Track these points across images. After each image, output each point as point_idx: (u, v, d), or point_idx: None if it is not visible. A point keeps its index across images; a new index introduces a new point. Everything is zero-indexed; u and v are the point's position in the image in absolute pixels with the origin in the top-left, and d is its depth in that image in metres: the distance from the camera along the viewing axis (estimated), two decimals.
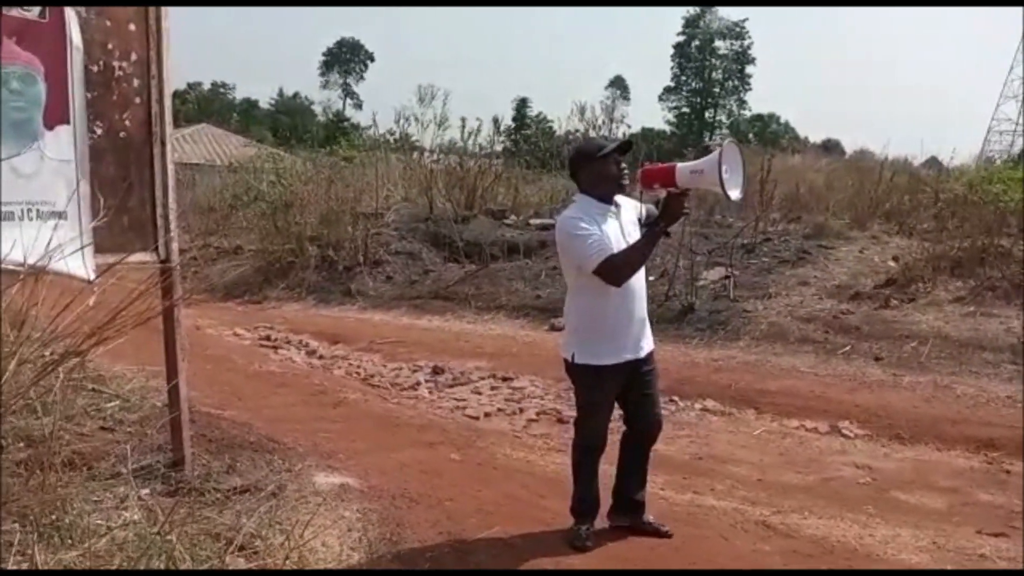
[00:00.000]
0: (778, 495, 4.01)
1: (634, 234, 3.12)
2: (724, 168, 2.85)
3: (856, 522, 3.66)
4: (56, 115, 2.77)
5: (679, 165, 2.99)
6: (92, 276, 2.64)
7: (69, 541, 2.48)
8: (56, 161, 2.72)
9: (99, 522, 2.77)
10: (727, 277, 8.47)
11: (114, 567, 2.17)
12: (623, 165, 3.13)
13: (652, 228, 3.05)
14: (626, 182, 3.14)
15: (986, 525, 3.65)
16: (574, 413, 5.37)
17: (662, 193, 3.04)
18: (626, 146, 3.17)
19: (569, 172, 3.31)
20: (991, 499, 4.02)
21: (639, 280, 3.16)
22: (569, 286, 3.25)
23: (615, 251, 2.99)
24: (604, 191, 3.12)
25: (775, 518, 3.67)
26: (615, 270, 2.99)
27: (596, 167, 3.10)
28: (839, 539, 3.45)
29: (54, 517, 2.57)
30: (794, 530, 3.54)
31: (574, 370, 3.20)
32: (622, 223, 3.12)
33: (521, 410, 5.56)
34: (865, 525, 3.63)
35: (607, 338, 3.11)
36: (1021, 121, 42.79)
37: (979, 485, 4.21)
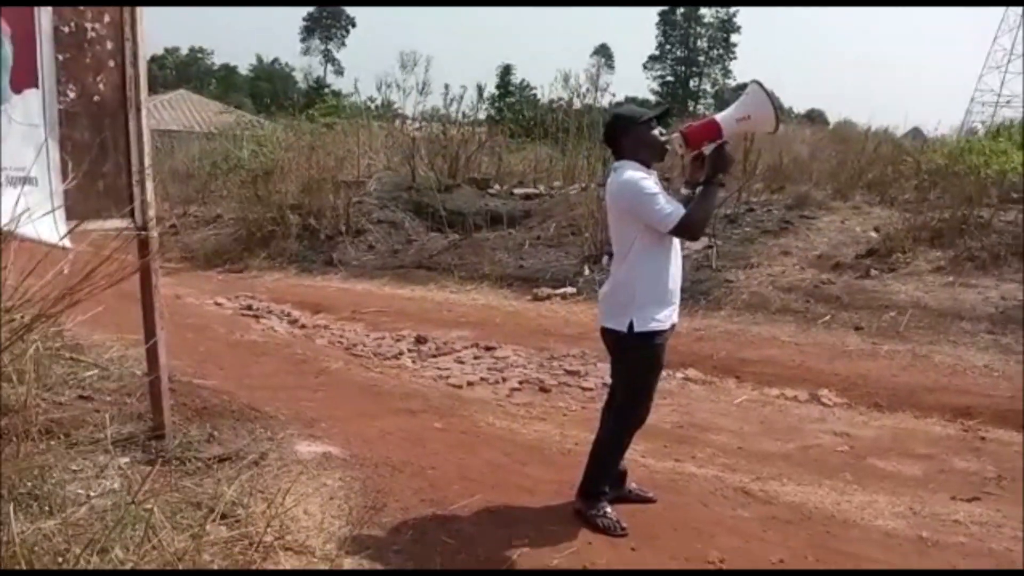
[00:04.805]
0: (758, 462, 4.06)
1: None
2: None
3: (834, 489, 3.72)
4: (24, 78, 2.69)
5: (719, 117, 3.00)
6: (64, 241, 2.59)
7: (47, 509, 2.46)
8: (24, 125, 2.65)
9: (78, 491, 2.75)
10: (709, 247, 8.49)
11: (93, 536, 2.15)
12: (662, 132, 3.12)
13: (709, 181, 3.01)
14: (668, 148, 3.12)
15: (961, 491, 3.72)
16: (555, 382, 5.47)
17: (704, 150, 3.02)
18: (664, 114, 3.18)
19: (607, 138, 3.23)
20: (966, 466, 4.09)
21: (679, 242, 3.17)
22: (626, 253, 3.08)
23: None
24: (646, 157, 3.09)
25: (754, 485, 3.71)
26: (692, 225, 2.98)
27: (640, 133, 3.08)
28: (816, 505, 3.51)
29: (31, 486, 2.55)
30: (773, 496, 3.58)
31: (631, 341, 3.06)
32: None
33: (504, 379, 5.57)
34: (842, 492, 3.69)
35: (667, 300, 3.08)
36: (1003, 92, 42.91)
37: (955, 452, 4.28)
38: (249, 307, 8.26)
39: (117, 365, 4.49)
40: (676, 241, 3.13)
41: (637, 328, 3.04)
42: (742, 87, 3.15)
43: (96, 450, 3.15)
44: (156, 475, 2.97)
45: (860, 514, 3.43)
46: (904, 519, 3.40)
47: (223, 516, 2.73)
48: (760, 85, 2.97)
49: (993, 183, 8.76)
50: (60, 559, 2.07)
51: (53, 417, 3.32)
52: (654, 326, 3.05)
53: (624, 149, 3.12)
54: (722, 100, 48.69)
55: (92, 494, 2.70)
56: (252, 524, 2.76)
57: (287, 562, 2.61)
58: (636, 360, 3.14)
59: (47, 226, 2.54)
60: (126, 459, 3.24)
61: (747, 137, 9.86)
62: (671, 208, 2.94)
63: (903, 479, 3.91)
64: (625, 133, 3.11)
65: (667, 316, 3.10)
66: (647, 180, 3.01)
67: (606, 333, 3.19)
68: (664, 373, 5.60)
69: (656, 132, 3.10)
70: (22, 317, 2.17)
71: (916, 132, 15.80)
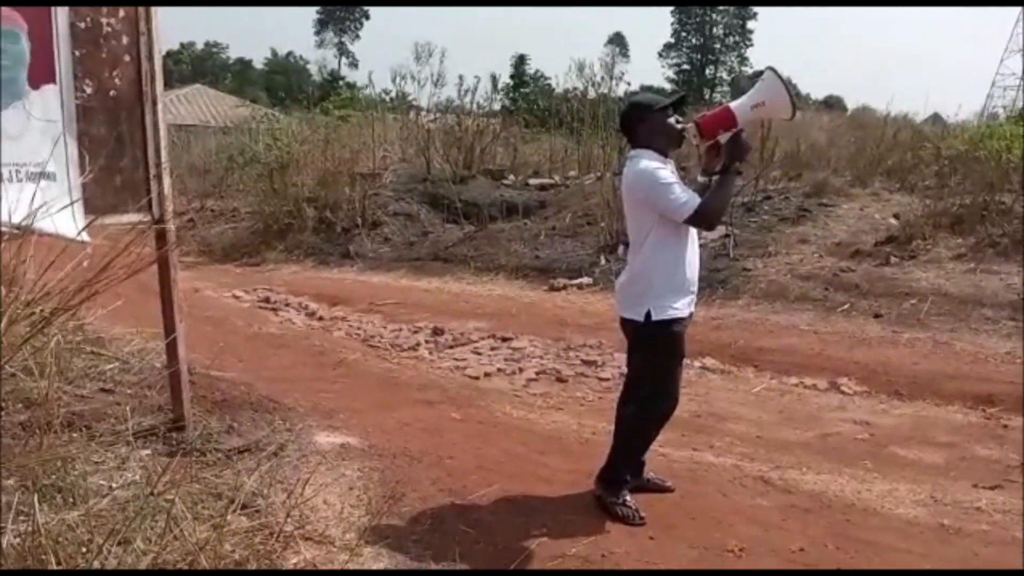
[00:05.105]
0: (776, 451, 4.04)
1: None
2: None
3: (854, 477, 3.69)
4: (41, 74, 2.71)
5: (734, 106, 2.97)
6: (83, 235, 2.61)
7: (71, 501, 2.50)
8: (43, 121, 2.67)
9: (100, 483, 2.78)
10: (727, 235, 8.44)
11: (115, 527, 2.18)
12: (679, 119, 3.10)
13: (726, 170, 2.98)
14: (684, 136, 3.11)
15: (983, 479, 3.68)
16: (572, 372, 5.46)
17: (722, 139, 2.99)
18: (680, 102, 3.17)
19: (623, 126, 3.24)
20: (988, 453, 4.05)
21: (695, 231, 3.15)
22: (642, 242, 3.08)
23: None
24: (662, 145, 3.07)
25: (773, 473, 3.69)
26: (709, 214, 2.96)
27: (656, 121, 3.06)
28: (837, 493, 3.48)
29: (55, 477, 2.58)
30: (792, 485, 3.56)
31: (648, 329, 3.05)
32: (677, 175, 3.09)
33: (520, 369, 5.57)
34: (863, 480, 3.66)
35: (684, 289, 3.08)
36: None
37: (976, 440, 4.24)
38: (267, 300, 8.31)
39: (137, 358, 4.53)
40: (693, 230, 3.11)
41: (655, 317, 3.04)
42: (759, 75, 3.12)
43: (117, 442, 3.18)
44: (177, 466, 2.99)
45: (881, 502, 3.41)
46: (925, 507, 3.37)
47: (244, 506, 2.75)
48: (775, 71, 2.94)
49: (1015, 169, 8.61)
50: (84, 549, 2.09)
51: (75, 410, 3.36)
52: (671, 314, 3.05)
53: (640, 137, 3.10)
54: (738, 88, 48.21)
55: (114, 485, 2.73)
56: (272, 514, 2.78)
57: (308, 551, 2.63)
58: (655, 349, 3.14)
59: (65, 220, 2.56)
60: (147, 451, 3.28)
61: (764, 124, 9.79)
62: (686, 197, 2.93)
63: (924, 467, 3.87)
64: (641, 121, 3.10)
65: (684, 305, 3.09)
66: (663, 170, 2.99)
67: (624, 323, 3.19)
68: None
69: (672, 120, 3.08)
70: (42, 311, 2.19)
71: (936, 118, 15.58)
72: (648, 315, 3.04)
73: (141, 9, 3.25)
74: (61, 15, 2.81)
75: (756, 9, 59.40)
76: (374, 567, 2.69)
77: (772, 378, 5.41)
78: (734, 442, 4.17)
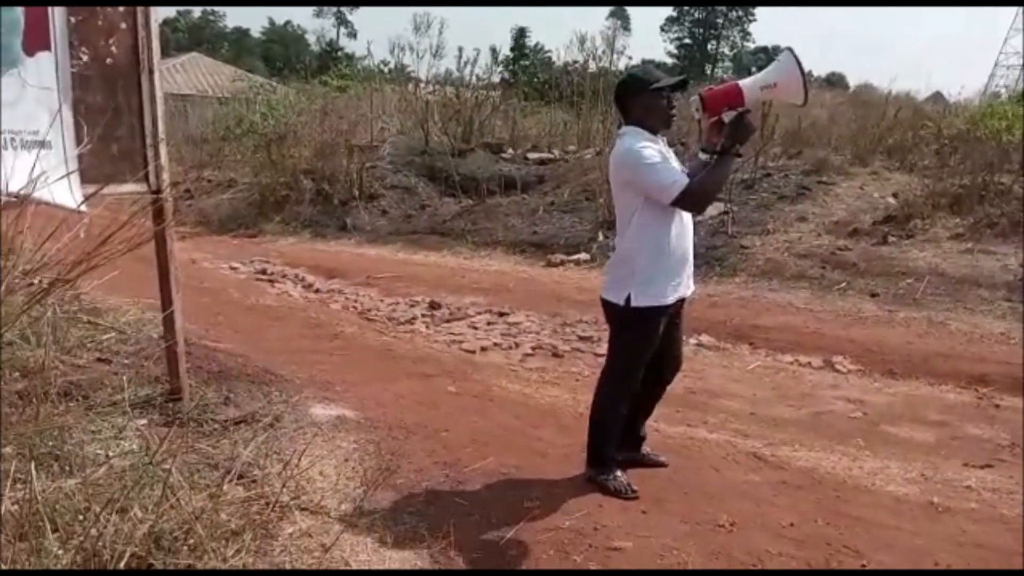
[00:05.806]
0: (770, 428, 4.07)
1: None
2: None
3: (846, 454, 3.72)
4: (36, 41, 2.68)
5: (744, 83, 2.88)
6: (80, 205, 2.60)
7: (68, 469, 2.51)
8: (37, 89, 2.65)
9: (97, 452, 2.80)
10: (725, 213, 8.43)
11: (112, 495, 2.19)
12: (673, 102, 3.03)
13: (725, 151, 2.89)
14: (675, 118, 3.04)
15: (973, 458, 3.72)
16: (568, 348, 5.48)
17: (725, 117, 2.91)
18: (680, 84, 3.05)
19: (617, 100, 3.12)
20: (979, 433, 4.08)
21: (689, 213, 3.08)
22: (627, 224, 3.00)
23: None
24: (653, 124, 2.99)
25: (766, 450, 3.72)
26: (697, 197, 2.89)
27: (651, 99, 2.97)
28: (828, 470, 3.52)
29: (52, 446, 2.60)
30: (784, 462, 3.59)
31: (626, 313, 2.99)
32: (670, 155, 3.02)
33: (517, 344, 5.59)
34: (855, 457, 3.69)
35: (670, 274, 3.00)
36: None
37: (968, 419, 4.27)
38: (264, 271, 8.32)
39: (134, 328, 4.54)
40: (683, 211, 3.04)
41: (634, 303, 2.98)
42: (761, 50, 3.08)
43: (114, 412, 3.20)
44: (174, 436, 3.02)
45: (871, 480, 3.44)
46: (915, 485, 3.40)
47: (240, 476, 2.78)
48: (792, 53, 2.82)
49: (1015, 149, 8.61)
50: (81, 517, 2.11)
51: (72, 379, 3.37)
52: (655, 302, 2.99)
53: (633, 112, 3.02)
54: (740, 63, 47.85)
55: (111, 454, 2.74)
56: (268, 485, 2.80)
57: (303, 521, 2.65)
58: (630, 334, 3.09)
59: (63, 190, 2.55)
60: (144, 421, 3.29)
61: (766, 102, 9.71)
62: (674, 178, 2.84)
63: (915, 445, 3.91)
64: (638, 95, 3.00)
65: (670, 291, 3.01)
66: (649, 149, 2.89)
67: (604, 303, 3.13)
68: None
69: (666, 100, 2.99)
70: (40, 281, 2.19)
71: (937, 96, 15.51)
72: (628, 299, 2.98)
73: None
74: None
75: None
76: (368, 539, 2.71)
77: (767, 355, 5.43)
78: (728, 418, 4.20)
